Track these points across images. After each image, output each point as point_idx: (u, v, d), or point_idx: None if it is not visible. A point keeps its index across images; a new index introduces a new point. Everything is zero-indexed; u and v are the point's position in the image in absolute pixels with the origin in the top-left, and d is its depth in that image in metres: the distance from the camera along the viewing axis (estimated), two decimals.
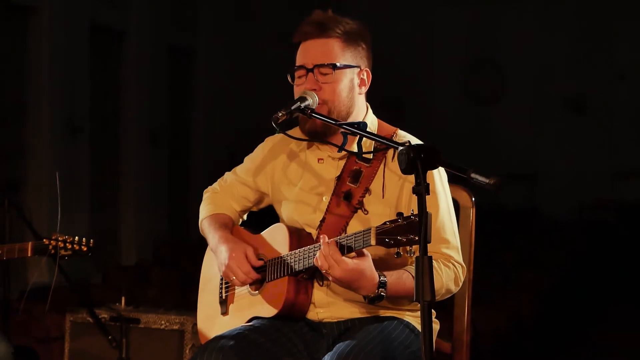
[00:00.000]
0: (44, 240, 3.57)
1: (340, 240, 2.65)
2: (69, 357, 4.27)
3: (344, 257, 2.61)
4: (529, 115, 12.87)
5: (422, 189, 2.39)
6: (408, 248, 2.52)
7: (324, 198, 2.91)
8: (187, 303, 5.23)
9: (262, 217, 3.24)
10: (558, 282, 8.25)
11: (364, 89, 2.95)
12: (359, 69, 2.91)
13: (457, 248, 2.86)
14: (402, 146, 2.45)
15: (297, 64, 2.90)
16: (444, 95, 13.02)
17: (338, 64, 2.85)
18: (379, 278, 2.66)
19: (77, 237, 3.60)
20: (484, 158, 10.89)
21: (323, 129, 2.86)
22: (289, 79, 2.92)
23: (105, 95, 9.55)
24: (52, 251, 3.55)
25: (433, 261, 2.63)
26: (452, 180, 2.93)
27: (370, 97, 3.01)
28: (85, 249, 3.59)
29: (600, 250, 10.82)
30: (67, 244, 3.56)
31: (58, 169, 8.04)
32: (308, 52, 2.88)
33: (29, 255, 3.58)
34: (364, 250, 2.64)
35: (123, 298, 4.28)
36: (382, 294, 2.66)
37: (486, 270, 7.10)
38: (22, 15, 8.31)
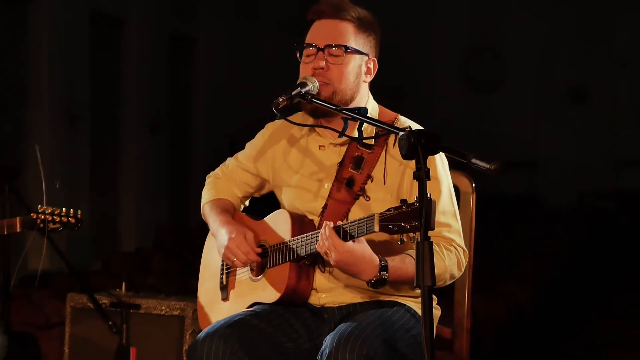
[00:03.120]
0: (32, 214, 3.56)
1: (344, 226, 2.65)
2: (69, 343, 4.27)
3: (341, 240, 2.61)
4: (530, 103, 12.88)
5: (423, 174, 2.38)
6: (411, 235, 2.51)
7: (325, 185, 2.91)
8: (187, 290, 5.23)
9: (264, 203, 3.24)
10: (558, 270, 8.26)
11: (369, 78, 2.94)
12: (367, 57, 2.91)
13: (459, 232, 2.86)
14: (402, 132, 2.44)
15: (308, 41, 2.89)
16: (445, 84, 13.02)
17: (349, 47, 2.85)
18: (380, 261, 2.65)
19: (64, 209, 3.58)
20: (484, 146, 10.91)
21: (324, 109, 2.86)
22: (297, 55, 2.91)
23: (105, 82, 9.54)
24: (41, 225, 3.54)
25: (435, 245, 2.65)
26: (452, 165, 2.93)
27: (371, 86, 3.00)
28: (73, 220, 3.57)
29: (600, 239, 10.83)
30: (55, 217, 3.55)
31: (59, 156, 8.11)
32: (321, 31, 2.88)
33: (18, 230, 3.56)
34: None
35: (123, 284, 4.28)
36: (384, 277, 2.66)
37: (486, 257, 7.10)
38: (22, 2, 8.29)
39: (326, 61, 2.84)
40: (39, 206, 3.58)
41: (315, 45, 2.86)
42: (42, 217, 3.54)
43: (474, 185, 3.11)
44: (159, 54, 10.41)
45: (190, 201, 10.99)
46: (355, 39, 2.87)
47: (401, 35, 12.42)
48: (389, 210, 2.54)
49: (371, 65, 2.93)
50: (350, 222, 2.65)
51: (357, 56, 2.87)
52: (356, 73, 2.88)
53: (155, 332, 4.13)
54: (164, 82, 10.57)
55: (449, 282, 2.84)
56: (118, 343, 4.14)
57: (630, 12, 12.38)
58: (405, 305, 2.87)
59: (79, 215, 3.59)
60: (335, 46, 2.84)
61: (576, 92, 12.76)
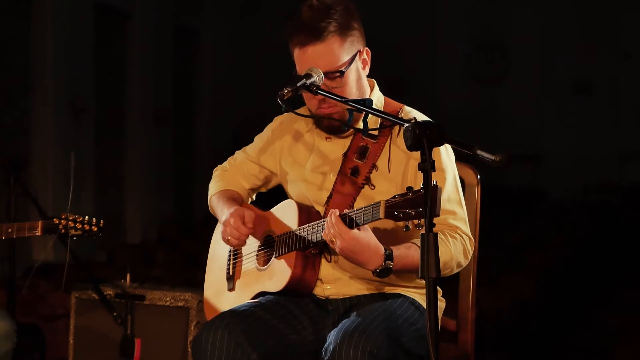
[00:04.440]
0: (54, 219, 3.57)
1: (349, 214, 2.65)
2: (74, 334, 4.27)
3: (346, 227, 2.61)
4: (534, 96, 12.87)
5: (428, 166, 2.38)
6: (417, 222, 2.50)
7: (330, 175, 2.91)
8: (192, 282, 5.24)
9: (271, 197, 3.24)
10: (562, 263, 8.26)
11: (367, 68, 2.90)
12: (359, 52, 2.85)
13: (464, 219, 2.84)
14: (407, 123, 2.44)
15: (301, 73, 2.78)
16: (449, 76, 13.00)
17: (344, 69, 2.79)
18: (385, 250, 2.65)
19: (87, 217, 3.59)
20: (489, 139, 10.86)
21: (335, 124, 2.84)
22: (290, 90, 2.72)
23: (110, 75, 9.55)
24: (63, 231, 3.55)
25: (439, 233, 2.64)
26: (457, 157, 2.92)
27: (374, 78, 2.98)
28: (95, 229, 3.59)
29: (604, 232, 10.82)
30: (77, 224, 3.57)
31: (63, 149, 8.14)
32: (310, 61, 2.78)
33: (39, 234, 3.58)
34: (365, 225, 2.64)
35: (128, 275, 4.28)
36: (390, 266, 2.65)
37: (490, 250, 7.09)
38: None
39: (327, 87, 2.77)
40: (62, 213, 3.59)
41: None
42: (65, 223, 3.55)
43: (479, 177, 3.11)
44: (164, 47, 10.42)
45: (194, 194, 11.00)
46: (343, 51, 2.79)
47: (406, 30, 12.41)
48: (394, 197, 2.54)
49: (365, 56, 2.88)
50: (356, 210, 2.65)
51: (352, 63, 2.82)
52: (357, 77, 2.85)
53: (160, 323, 4.13)
54: (168, 75, 10.57)
55: (456, 271, 2.83)
56: (123, 334, 4.14)
57: (634, 4, 12.36)
58: (409, 297, 2.87)
59: (101, 224, 3.60)
60: (331, 73, 2.78)
61: (580, 84, 12.75)
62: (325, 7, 2.79)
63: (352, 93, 2.82)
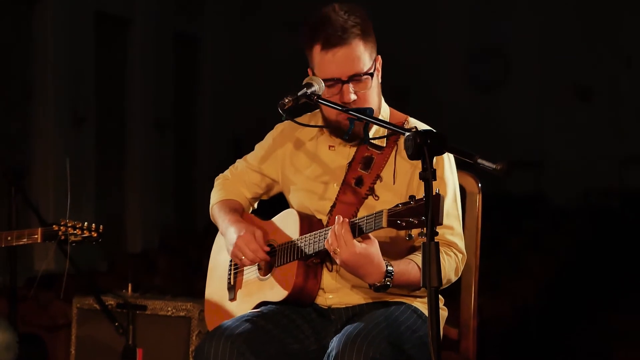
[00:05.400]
0: (54, 226, 3.57)
1: (352, 221, 2.64)
2: (76, 344, 4.27)
3: (353, 240, 2.60)
4: (535, 102, 12.86)
5: (429, 175, 2.38)
6: (419, 230, 2.49)
7: (334, 185, 2.90)
8: (193, 291, 5.23)
9: (272, 205, 3.23)
10: (564, 268, 8.26)
11: (380, 76, 2.89)
12: (376, 58, 2.85)
13: (461, 235, 2.85)
14: (408, 132, 2.44)
15: (328, 76, 2.77)
16: (449, 83, 12.99)
17: (372, 70, 2.79)
18: (386, 267, 2.64)
19: (86, 223, 3.59)
20: (490, 145, 10.87)
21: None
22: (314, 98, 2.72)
23: (111, 83, 9.55)
24: (62, 237, 3.55)
25: None
26: (458, 166, 2.92)
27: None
28: (95, 234, 3.59)
29: (606, 237, 10.82)
30: (77, 230, 3.56)
31: (64, 157, 8.13)
32: (338, 63, 2.76)
33: (39, 241, 3.57)
34: (370, 235, 2.64)
35: (130, 285, 4.28)
36: (388, 283, 2.65)
37: (492, 256, 7.09)
38: (27, 2, 8.31)
39: (353, 90, 2.77)
40: (61, 219, 3.59)
41: (339, 79, 2.77)
42: (64, 229, 3.55)
43: (480, 185, 3.11)
44: (164, 54, 10.43)
45: (196, 202, 10.99)
46: (367, 54, 2.79)
47: (405, 36, 12.40)
48: (397, 206, 2.54)
49: (379, 63, 2.87)
50: (359, 218, 2.64)
51: (374, 68, 2.82)
52: (377, 83, 2.85)
53: (162, 333, 4.13)
54: (169, 81, 10.58)
55: (444, 287, 2.83)
56: (124, 344, 4.14)
57: (635, 9, 12.36)
58: (412, 305, 2.87)
59: (100, 230, 3.60)
60: (358, 75, 2.76)
61: (581, 89, 12.74)
62: (346, 12, 2.79)
63: (374, 99, 2.83)
